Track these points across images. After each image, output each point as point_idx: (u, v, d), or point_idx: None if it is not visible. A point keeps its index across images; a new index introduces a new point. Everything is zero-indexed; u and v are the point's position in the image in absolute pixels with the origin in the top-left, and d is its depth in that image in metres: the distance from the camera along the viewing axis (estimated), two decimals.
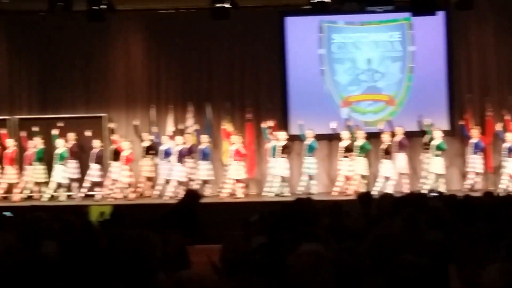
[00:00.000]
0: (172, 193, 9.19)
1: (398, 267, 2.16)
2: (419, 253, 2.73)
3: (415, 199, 5.22)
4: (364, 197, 5.49)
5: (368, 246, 2.58)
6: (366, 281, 2.31)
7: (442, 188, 8.90)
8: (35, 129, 9.57)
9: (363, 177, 9.34)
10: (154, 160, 9.59)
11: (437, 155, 9.27)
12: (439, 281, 2.56)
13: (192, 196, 5.96)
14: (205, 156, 9.49)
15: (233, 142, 9.45)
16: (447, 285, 2.63)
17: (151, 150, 9.59)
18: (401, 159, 9.33)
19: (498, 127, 9.37)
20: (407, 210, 3.87)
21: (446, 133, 9.49)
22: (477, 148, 9.31)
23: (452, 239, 3.00)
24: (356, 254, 2.36)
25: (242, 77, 10.15)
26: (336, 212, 4.58)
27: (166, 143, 9.54)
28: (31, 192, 9.51)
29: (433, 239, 3.16)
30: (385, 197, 5.43)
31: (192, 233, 4.64)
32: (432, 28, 9.69)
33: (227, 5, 8.83)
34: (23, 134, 9.67)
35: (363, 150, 9.30)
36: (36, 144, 9.44)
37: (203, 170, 9.45)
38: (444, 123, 9.68)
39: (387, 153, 9.30)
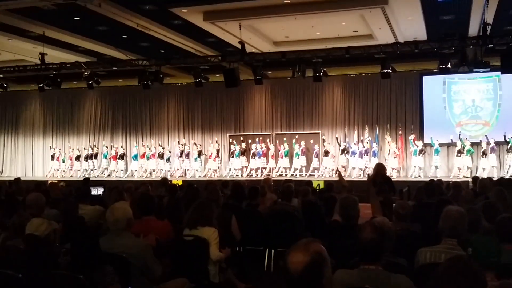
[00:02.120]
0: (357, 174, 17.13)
1: (500, 221, 3.47)
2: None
3: (505, 181, 8.34)
4: (473, 179, 10.36)
5: (479, 208, 4.24)
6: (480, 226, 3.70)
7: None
8: (284, 139, 18.33)
9: (468, 168, 16.39)
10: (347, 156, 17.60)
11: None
12: None
13: (381, 167, 7.65)
14: (374, 154, 17.37)
15: (391, 147, 17.22)
16: None
17: (345, 151, 17.67)
18: (492, 158, 16.24)
19: None
20: (498, 188, 5.71)
21: None
22: None
23: None
24: (475, 211, 3.97)
25: (396, 110, 17.96)
26: (456, 188, 7.16)
27: (353, 147, 17.58)
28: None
29: None
30: (484, 180, 8.53)
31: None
32: None
33: (389, 71, 15.89)
34: (277, 141, 18.42)
35: (469, 152, 16.40)
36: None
37: (374, 162, 17.28)
38: None
39: (484, 154, 16.29)
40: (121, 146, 20.76)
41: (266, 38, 16.08)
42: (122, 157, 20.37)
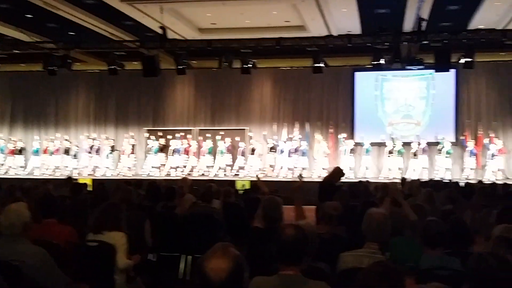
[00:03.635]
0: (285, 174, 17.51)
1: (428, 223, 3.75)
2: (439, 217, 4.27)
3: (433, 183, 9.90)
4: (402, 180, 11.15)
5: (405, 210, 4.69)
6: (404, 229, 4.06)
7: (449, 177, 16.60)
8: (208, 135, 18.33)
9: (400, 169, 17.23)
10: (275, 155, 17.95)
11: (446, 157, 17.08)
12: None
13: (338, 172, 8.04)
14: (304, 153, 17.80)
15: (321, 146, 17.74)
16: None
17: (273, 149, 17.98)
18: (423, 159, 17.17)
19: (486, 141, 17.05)
20: (427, 190, 6.26)
21: (453, 143, 17.29)
22: (472, 154, 17.03)
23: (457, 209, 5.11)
24: (399, 215, 4.35)
25: (328, 107, 18.50)
26: (384, 189, 7.14)
27: (282, 145, 17.92)
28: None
29: (446, 208, 5.68)
30: (413, 181, 9.78)
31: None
32: (446, 79, 17.47)
33: (321, 65, 15.05)
34: (200, 138, 18.43)
35: (400, 152, 17.23)
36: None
37: (303, 162, 17.72)
38: (451, 137, 17.50)
39: (415, 155, 17.18)
40: (20, 140, 19.85)
41: (190, 24, 15.98)
42: (20, 151, 19.49)
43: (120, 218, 4.22)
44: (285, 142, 18.14)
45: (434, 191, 6.89)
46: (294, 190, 5.08)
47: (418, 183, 9.11)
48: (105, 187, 6.96)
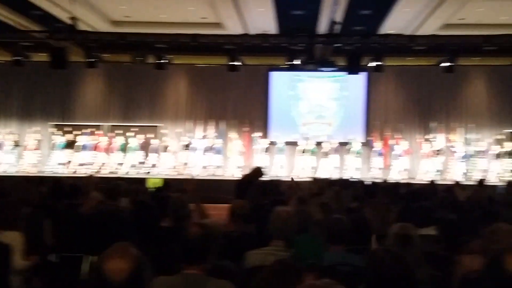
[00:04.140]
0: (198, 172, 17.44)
1: (332, 221, 3.89)
2: (344, 215, 4.31)
3: (342, 181, 9.88)
4: (312, 179, 11.39)
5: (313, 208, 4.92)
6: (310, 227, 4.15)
7: (358, 176, 17.23)
8: (119, 131, 17.85)
9: (312, 168, 17.69)
10: (189, 153, 17.85)
11: (356, 157, 17.74)
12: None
13: (258, 171, 8.25)
14: (218, 151, 17.81)
15: (236, 144, 17.85)
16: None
17: (187, 146, 17.85)
18: (334, 159, 17.74)
19: (392, 142, 17.90)
20: (334, 188, 6.56)
21: (362, 144, 17.97)
22: (379, 154, 17.81)
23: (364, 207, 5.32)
24: (305, 212, 4.45)
25: (243, 105, 18.63)
26: (295, 187, 8.21)
27: (196, 143, 17.84)
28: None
29: (352, 206, 5.96)
30: (323, 180, 10.15)
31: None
32: (358, 82, 18.18)
33: (237, 63, 15.41)
34: (111, 134, 17.92)
35: (312, 152, 17.69)
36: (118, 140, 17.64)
37: (217, 160, 17.74)
38: (361, 138, 18.19)
39: (326, 154, 17.72)
40: None
41: (103, 16, 15.52)
42: None
43: (16, 217, 4.01)
44: (199, 140, 18.07)
45: (342, 189, 7.12)
46: (190, 190, 5.06)
47: (327, 181, 9.39)
48: (3, 184, 6.58)
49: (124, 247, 2.35)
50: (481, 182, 10.71)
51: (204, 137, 18.19)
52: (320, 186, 8.92)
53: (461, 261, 3.70)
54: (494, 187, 11.98)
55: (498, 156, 17.25)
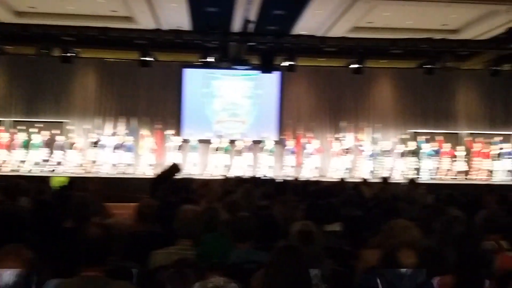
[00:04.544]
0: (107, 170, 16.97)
1: (239, 219, 3.93)
2: (253, 213, 4.53)
3: (253, 179, 9.90)
4: (223, 177, 11.37)
5: (224, 205, 4.99)
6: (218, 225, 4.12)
7: (271, 174, 17.44)
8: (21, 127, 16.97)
9: (226, 166, 17.72)
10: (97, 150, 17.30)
11: (269, 155, 17.98)
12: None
13: (174, 168, 8.17)
14: (129, 149, 17.41)
15: (147, 142, 17.54)
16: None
17: (96, 144, 17.29)
18: (248, 157, 17.89)
19: (304, 140, 18.32)
20: (245, 186, 6.54)
21: (275, 142, 18.24)
22: (291, 152, 18.16)
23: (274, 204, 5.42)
24: (213, 211, 4.40)
25: (155, 102, 18.33)
26: (205, 186, 7.63)
27: (105, 140, 17.32)
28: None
29: (262, 204, 5.97)
30: (235, 178, 10.07)
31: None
32: (271, 81, 18.44)
33: (149, 59, 15.10)
34: (13, 130, 16.99)
35: (226, 150, 17.71)
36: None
37: (128, 157, 17.33)
38: (274, 136, 18.45)
39: (240, 152, 17.82)
40: None
41: (6, 6, 14.71)
42: None
43: None
44: (109, 137, 17.57)
45: (253, 187, 7.16)
46: (93, 189, 4.92)
47: (238, 179, 9.44)
48: None
49: (16, 249, 2.24)
50: (385, 179, 11.20)
51: (114, 134, 17.71)
52: (232, 184, 8.95)
53: (362, 255, 3.85)
54: (398, 184, 12.56)
55: (403, 154, 18.18)
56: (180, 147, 17.67)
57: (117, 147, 17.35)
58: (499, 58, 14.86)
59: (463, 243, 3.29)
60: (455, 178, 17.94)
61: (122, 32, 14.45)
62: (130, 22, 15.35)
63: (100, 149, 17.29)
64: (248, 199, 6.35)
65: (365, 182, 11.26)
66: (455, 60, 15.62)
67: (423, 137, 18.60)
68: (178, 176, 8.64)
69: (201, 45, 14.86)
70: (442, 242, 3.72)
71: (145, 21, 15.27)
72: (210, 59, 15.16)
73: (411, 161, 18.10)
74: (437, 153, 18.16)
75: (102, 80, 18.56)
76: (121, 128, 17.85)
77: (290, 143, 18.23)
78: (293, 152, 18.19)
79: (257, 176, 13.88)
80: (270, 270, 2.32)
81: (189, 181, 9.12)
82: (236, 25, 15.12)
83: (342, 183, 10.71)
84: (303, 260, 2.27)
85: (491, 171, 18.17)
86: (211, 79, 18.68)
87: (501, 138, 18.75)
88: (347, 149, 18.25)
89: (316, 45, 15.11)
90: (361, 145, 18.50)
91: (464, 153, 18.32)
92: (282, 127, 18.82)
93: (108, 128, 17.86)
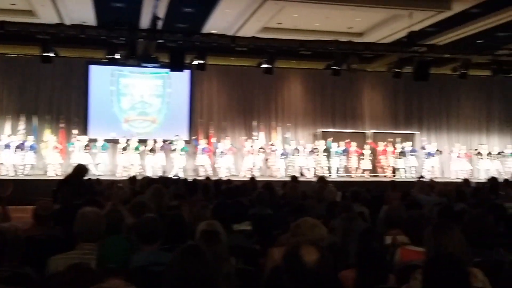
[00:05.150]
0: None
1: (144, 220, 3.81)
2: (162, 214, 4.61)
3: (163, 179, 9.59)
4: (132, 178, 10.85)
5: (130, 206, 4.93)
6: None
7: (183, 174, 17.18)
8: None
9: (136, 166, 17.26)
10: None
11: (181, 154, 17.72)
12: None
13: (79, 169, 7.95)
14: (32, 148, 16.58)
15: (51, 141, 16.77)
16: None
17: None
18: (161, 156, 17.54)
19: (216, 140, 18.29)
20: (155, 186, 6.32)
21: (186, 142, 18.09)
22: (204, 151, 18.02)
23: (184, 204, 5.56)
24: (117, 213, 4.27)
25: (59, 100, 17.60)
26: (111, 187, 8.17)
27: (5, 140, 16.39)
28: None
29: (172, 205, 5.99)
30: (144, 178, 9.61)
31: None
32: (182, 79, 18.27)
33: (51, 54, 14.01)
34: None
35: (136, 149, 17.28)
36: None
37: (31, 157, 16.50)
38: (186, 136, 18.29)
39: (151, 151, 17.44)
40: None
41: None
42: None
43: None
44: (9, 136, 16.64)
45: (162, 187, 7.04)
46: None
47: (148, 179, 9.25)
48: None
49: None
50: (295, 178, 11.41)
51: (14, 133, 16.78)
52: (140, 185, 8.76)
53: (270, 254, 3.90)
54: (308, 182, 12.85)
55: (313, 153, 18.63)
56: (85, 147, 17.05)
57: (18, 147, 16.47)
58: (401, 61, 15.61)
59: (364, 238, 3.42)
60: (363, 176, 18.68)
61: (22, 26, 13.71)
62: (31, 16, 14.64)
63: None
64: (157, 200, 6.24)
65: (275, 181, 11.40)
66: (361, 62, 16.24)
67: (331, 137, 19.14)
68: (85, 177, 8.34)
69: (108, 41, 14.43)
70: (345, 237, 3.85)
71: (46, 15, 14.63)
72: (117, 56, 14.78)
73: (322, 159, 18.58)
74: (345, 152, 18.79)
75: (1, 76, 17.52)
76: (22, 127, 16.95)
77: (202, 143, 18.11)
78: (204, 152, 18.08)
79: (167, 176, 13.69)
80: (170, 270, 2.28)
81: (95, 183, 8.85)
82: (144, 22, 14.84)
83: (253, 182, 10.79)
84: (205, 260, 2.25)
85: (395, 169, 19.09)
86: (119, 76, 18.22)
87: (402, 137, 19.75)
88: (260, 148, 18.42)
89: (227, 44, 15.12)
90: (273, 144, 18.77)
91: (369, 151, 19.09)
92: (194, 127, 18.72)
93: (8, 127, 16.91)
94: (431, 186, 9.34)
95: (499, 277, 2.99)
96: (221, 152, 18.14)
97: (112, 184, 9.03)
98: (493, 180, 10.42)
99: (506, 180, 11.58)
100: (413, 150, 19.22)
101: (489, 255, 3.78)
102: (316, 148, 18.76)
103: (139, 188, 8.48)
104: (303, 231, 3.33)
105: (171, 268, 2.26)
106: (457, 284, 2.42)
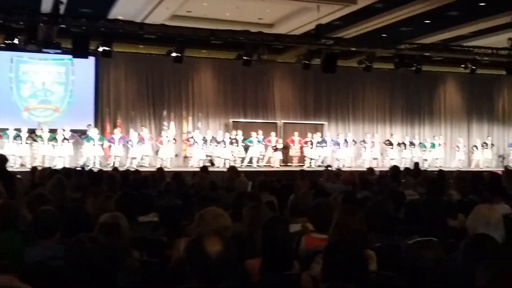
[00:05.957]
0: None
1: (40, 214, 3.65)
2: (63, 206, 4.58)
3: (65, 170, 9.41)
4: (32, 169, 10.49)
5: (28, 199, 4.78)
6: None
7: (93, 164, 16.50)
8: None
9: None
10: None
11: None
12: None
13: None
14: None
15: None
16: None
17: None
18: (69, 147, 16.69)
19: (122, 129, 17.79)
20: (56, 176, 6.43)
21: (93, 132, 17.38)
22: (111, 141, 17.33)
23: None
24: (11, 206, 3.96)
25: None
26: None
27: None
28: None
29: (74, 197, 6.11)
30: (44, 169, 9.34)
31: None
32: (86, 66, 17.56)
33: None
34: None
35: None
36: None
37: None
38: (93, 125, 17.59)
39: (66, 140, 16.51)
40: None
41: None
42: None
43: None
44: None
45: (64, 179, 6.77)
46: None
47: (49, 171, 8.86)
48: None
49: None
50: (205, 168, 11.37)
51: None
52: (41, 176, 8.39)
53: (176, 245, 3.86)
54: (222, 172, 12.81)
55: (225, 143, 18.54)
56: None
57: None
58: (310, 53, 15.94)
59: (269, 226, 3.46)
60: (275, 166, 18.91)
61: None
62: None
63: None
64: (58, 192, 6.02)
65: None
66: (271, 53, 16.43)
67: (245, 127, 19.19)
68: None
69: (6, 25, 13.62)
70: (252, 227, 3.88)
71: None
72: (16, 41, 14.03)
73: (233, 149, 18.56)
74: (260, 142, 18.89)
75: None
76: None
77: (114, 133, 17.47)
78: (114, 142, 17.41)
79: (70, 167, 13.16)
80: (66, 264, 2.19)
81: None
82: (46, 6, 14.14)
83: (161, 172, 10.59)
84: (102, 253, 2.18)
85: (307, 159, 19.48)
86: (18, 62, 17.26)
87: (311, 127, 20.26)
88: (171, 138, 18.04)
89: (134, 31, 14.74)
90: (185, 134, 18.58)
91: (282, 143, 19.38)
92: (100, 116, 18.14)
93: None
94: (337, 175, 9.64)
95: (396, 261, 3.13)
96: (132, 142, 17.61)
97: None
98: (394, 168, 10.91)
99: (406, 169, 12.20)
100: (323, 141, 19.70)
101: (389, 240, 3.96)
102: (235, 139, 18.65)
103: (39, 179, 8.19)
104: (207, 221, 3.31)
105: (66, 262, 2.17)
106: (354, 267, 2.55)
